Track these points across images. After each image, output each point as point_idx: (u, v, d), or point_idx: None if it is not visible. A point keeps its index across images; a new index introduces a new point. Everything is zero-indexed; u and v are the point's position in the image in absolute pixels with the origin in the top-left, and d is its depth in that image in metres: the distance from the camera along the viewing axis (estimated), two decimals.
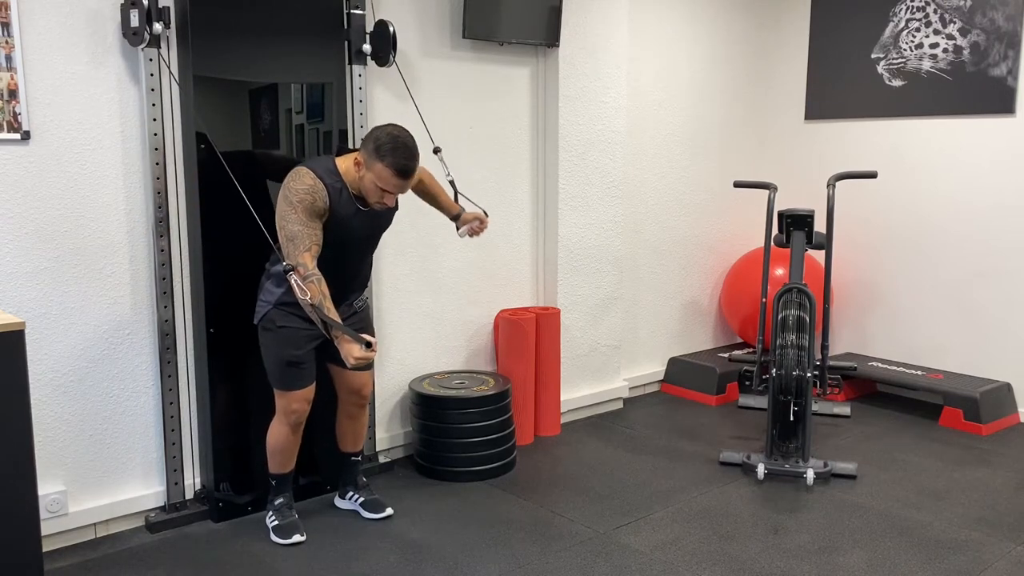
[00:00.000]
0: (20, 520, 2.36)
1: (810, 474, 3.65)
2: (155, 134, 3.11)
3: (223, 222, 3.17)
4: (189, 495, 3.36)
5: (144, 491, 3.27)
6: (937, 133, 4.72)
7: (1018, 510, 3.44)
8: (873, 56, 4.91)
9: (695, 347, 5.28)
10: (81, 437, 3.12)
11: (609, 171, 4.49)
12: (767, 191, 4.23)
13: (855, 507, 3.46)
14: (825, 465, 3.74)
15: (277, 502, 3.22)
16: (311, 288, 2.76)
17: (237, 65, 3.19)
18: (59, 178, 2.97)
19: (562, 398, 4.42)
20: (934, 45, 4.66)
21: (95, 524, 3.17)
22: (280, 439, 3.12)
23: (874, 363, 4.88)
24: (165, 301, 3.20)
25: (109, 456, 3.19)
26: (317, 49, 3.41)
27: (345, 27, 3.48)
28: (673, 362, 5.09)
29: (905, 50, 4.77)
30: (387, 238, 3.50)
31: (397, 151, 2.81)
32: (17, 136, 2.87)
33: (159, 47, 3.06)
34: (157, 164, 3.13)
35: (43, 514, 2.93)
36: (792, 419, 3.72)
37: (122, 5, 3.00)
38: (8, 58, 2.82)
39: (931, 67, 4.68)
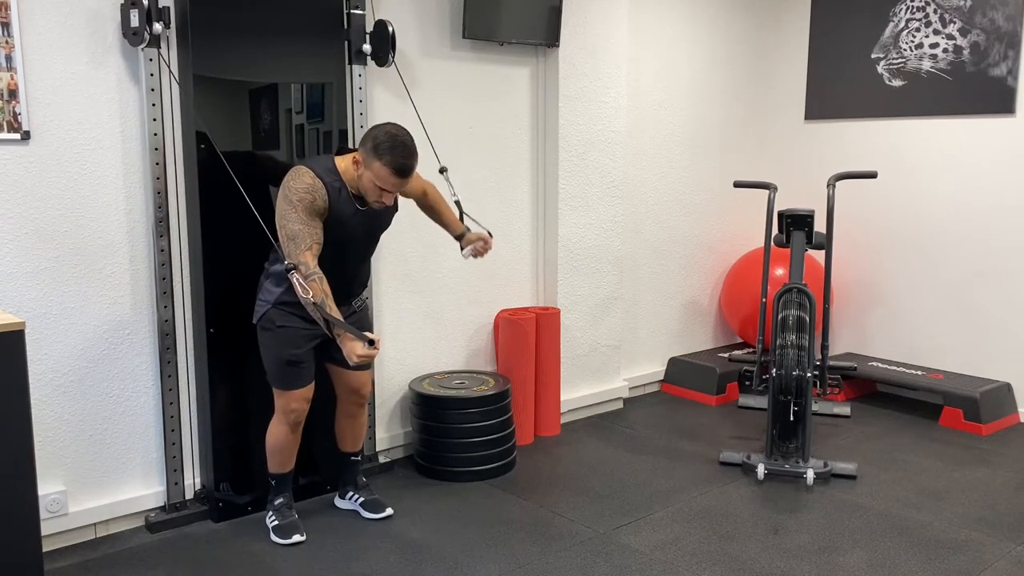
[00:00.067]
0: (20, 520, 2.36)
1: (810, 474, 3.65)
2: (155, 134, 3.11)
3: (223, 222, 3.17)
4: (189, 495, 3.36)
5: (144, 491, 3.27)
6: (937, 133, 4.72)
7: (1018, 510, 3.44)
8: (873, 56, 4.91)
9: (695, 347, 5.28)
10: (81, 437, 3.12)
11: (609, 171, 4.49)
12: (767, 191, 4.23)
13: (855, 507, 3.46)
14: (825, 465, 3.74)
15: (277, 502, 3.22)
16: (313, 287, 2.76)
17: (237, 65, 3.19)
18: (59, 178, 2.97)
19: (562, 398, 4.42)
20: (934, 45, 4.66)
21: (95, 524, 3.18)
22: (279, 439, 3.12)
23: (874, 363, 4.88)
24: (165, 301, 3.20)
25: (109, 456, 3.19)
26: (317, 49, 3.41)
27: (345, 27, 3.48)
28: (673, 362, 5.09)
29: (905, 50, 4.77)
30: (387, 238, 3.50)
31: (395, 150, 2.81)
32: (17, 136, 2.87)
33: (159, 47, 3.06)
34: (157, 164, 3.13)
35: (43, 514, 2.93)
36: (792, 419, 3.72)
37: (122, 5, 3.00)
38: (8, 58, 2.82)
39: (931, 67, 4.68)
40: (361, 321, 3.19)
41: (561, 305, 4.39)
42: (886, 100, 4.89)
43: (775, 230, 4.20)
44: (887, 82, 4.87)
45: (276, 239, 2.88)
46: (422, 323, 4.02)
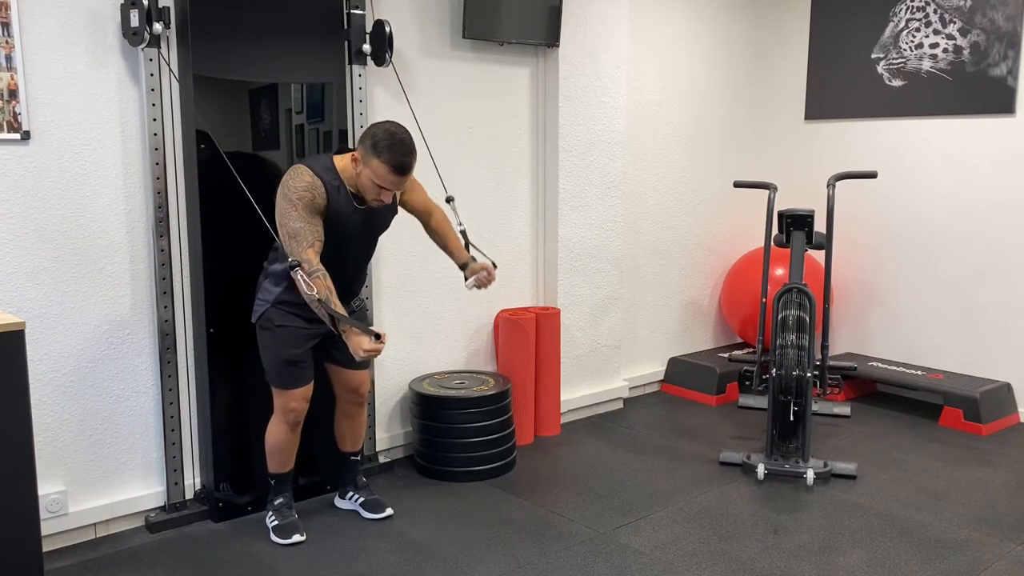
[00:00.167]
0: (20, 520, 2.36)
1: (810, 474, 3.65)
2: (155, 134, 3.11)
3: (223, 222, 3.17)
4: (189, 495, 3.36)
5: (144, 491, 3.27)
6: (937, 133, 4.72)
7: (1018, 510, 3.44)
8: (873, 56, 4.91)
9: (695, 347, 5.28)
10: (81, 437, 3.12)
11: (609, 171, 4.49)
12: (767, 191, 4.23)
13: (855, 507, 3.46)
14: (825, 465, 3.74)
15: (277, 502, 3.22)
16: (317, 283, 2.75)
17: (237, 65, 3.19)
18: (59, 178, 2.97)
19: (562, 398, 4.42)
20: (934, 45, 4.66)
21: (95, 524, 3.18)
22: (279, 438, 3.12)
23: (874, 363, 4.88)
24: (165, 301, 3.20)
25: (109, 456, 3.19)
26: (317, 49, 3.41)
27: (345, 27, 3.48)
28: (673, 362, 5.09)
29: (905, 50, 4.77)
30: (387, 239, 3.49)
31: (394, 147, 2.81)
32: (17, 136, 2.87)
33: (159, 47, 3.06)
34: (157, 164, 3.13)
35: (43, 514, 2.93)
36: (792, 419, 3.72)
37: (122, 5, 3.00)
38: (8, 58, 2.82)
39: (931, 67, 4.68)
40: (360, 321, 3.19)
41: (561, 305, 4.39)
42: (886, 100, 4.89)
43: (775, 230, 4.20)
44: (887, 82, 4.87)
45: (279, 237, 2.87)
46: (422, 323, 4.02)
